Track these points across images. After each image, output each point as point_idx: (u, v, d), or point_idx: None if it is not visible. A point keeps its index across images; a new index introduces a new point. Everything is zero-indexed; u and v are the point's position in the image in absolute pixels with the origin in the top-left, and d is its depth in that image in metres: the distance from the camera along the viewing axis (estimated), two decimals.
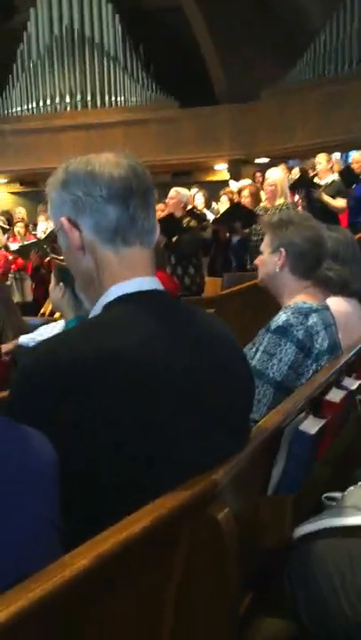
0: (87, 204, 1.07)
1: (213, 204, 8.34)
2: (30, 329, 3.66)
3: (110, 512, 0.87)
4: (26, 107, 12.10)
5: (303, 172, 7.59)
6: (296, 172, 7.92)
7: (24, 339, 3.26)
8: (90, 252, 1.09)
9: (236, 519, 1.03)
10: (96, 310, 1.10)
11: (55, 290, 2.43)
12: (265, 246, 2.06)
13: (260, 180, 8.28)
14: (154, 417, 0.98)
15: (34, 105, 12.05)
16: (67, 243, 1.11)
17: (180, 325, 1.09)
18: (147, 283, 1.10)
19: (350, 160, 7.31)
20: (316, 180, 6.49)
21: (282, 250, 1.99)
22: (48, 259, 7.13)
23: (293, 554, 1.32)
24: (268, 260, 2.04)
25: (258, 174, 9.05)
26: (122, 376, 0.96)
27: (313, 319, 1.89)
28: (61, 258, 2.28)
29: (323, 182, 6.37)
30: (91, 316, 1.11)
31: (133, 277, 1.09)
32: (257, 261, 2.12)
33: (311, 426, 1.43)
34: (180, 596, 0.99)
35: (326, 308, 2.01)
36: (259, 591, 1.38)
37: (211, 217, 7.14)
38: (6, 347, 3.32)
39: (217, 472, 1.00)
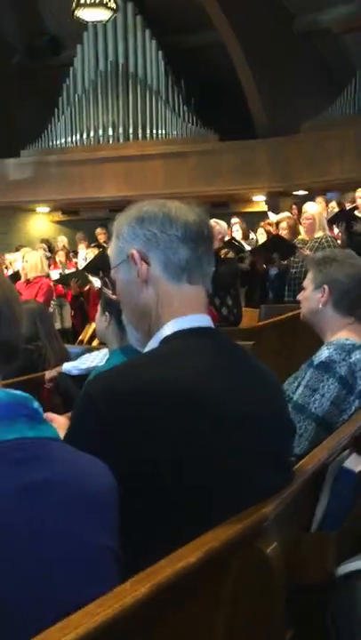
0: (161, 241, 1.15)
1: (251, 234, 8.41)
2: (70, 356, 3.75)
3: (161, 535, 0.92)
4: (70, 139, 12.44)
5: (344, 206, 7.61)
6: (333, 206, 7.95)
7: (67, 366, 3.33)
8: (153, 286, 1.16)
9: (282, 554, 1.05)
10: (153, 343, 1.16)
11: (101, 319, 2.49)
12: (308, 282, 2.10)
13: (296, 212, 8.33)
14: (209, 446, 1.03)
15: (77, 137, 12.39)
16: (129, 275, 1.18)
17: (234, 361, 1.14)
18: (202, 320, 1.16)
19: None
20: (356, 213, 6.50)
21: (325, 287, 2.02)
22: (87, 287, 7.27)
23: (338, 593, 1.32)
24: (312, 297, 2.07)
25: (294, 207, 9.10)
26: (183, 404, 1.02)
27: (356, 356, 1.91)
28: (110, 292, 2.36)
29: None
30: (147, 349, 1.17)
31: (191, 314, 1.15)
32: (300, 297, 2.15)
33: (355, 463, 1.44)
34: (226, 628, 1.01)
35: None
36: (300, 629, 1.38)
37: (248, 248, 7.20)
38: (50, 374, 3.39)
39: (266, 506, 1.02)
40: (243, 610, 1.02)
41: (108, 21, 9.09)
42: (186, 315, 1.14)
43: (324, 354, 1.92)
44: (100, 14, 8.36)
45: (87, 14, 8.34)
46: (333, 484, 1.40)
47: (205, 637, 0.98)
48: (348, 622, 1.25)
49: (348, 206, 7.44)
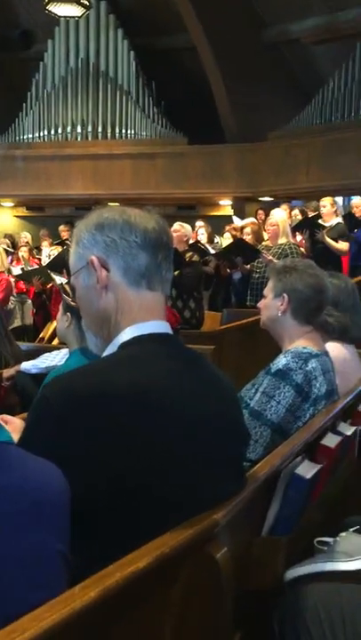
0: (121, 247, 1.15)
1: (216, 238, 8.47)
2: (23, 356, 3.71)
3: (111, 538, 0.94)
4: (37, 134, 12.29)
5: (306, 214, 7.74)
6: (296, 213, 8.06)
7: (26, 365, 3.30)
8: (113, 292, 1.16)
9: (232, 559, 1.07)
10: (111, 348, 1.16)
11: (62, 319, 2.48)
12: (268, 291, 2.13)
13: (263, 217, 8.42)
14: (164, 448, 1.05)
15: (45, 133, 12.25)
16: (88, 281, 1.18)
17: (190, 368, 1.16)
18: (160, 326, 1.17)
19: (351, 205, 7.47)
20: (320, 221, 6.61)
21: (285, 295, 2.06)
22: (50, 285, 7.21)
23: (285, 596, 1.35)
24: (271, 305, 2.10)
25: (260, 211, 9.20)
26: (139, 408, 1.03)
27: (312, 364, 1.95)
28: (70, 299, 2.36)
29: (327, 224, 6.49)
30: (106, 353, 1.17)
31: (149, 320, 1.16)
32: (260, 305, 2.18)
33: (307, 470, 1.48)
34: (175, 632, 1.02)
35: (326, 353, 2.07)
36: (248, 632, 1.40)
37: (213, 252, 7.25)
38: (8, 372, 3.36)
39: (217, 512, 1.04)
40: (192, 613, 1.03)
41: (80, 18, 9.03)
42: (145, 321, 1.16)
43: (281, 361, 1.95)
44: (73, 10, 8.28)
45: (59, 9, 8.26)
46: (285, 490, 1.43)
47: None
48: (295, 627, 1.28)
49: (311, 214, 7.56)
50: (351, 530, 1.63)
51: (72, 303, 2.30)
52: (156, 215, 1.20)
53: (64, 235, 9.42)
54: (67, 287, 2.45)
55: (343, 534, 1.59)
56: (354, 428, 1.96)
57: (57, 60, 12.46)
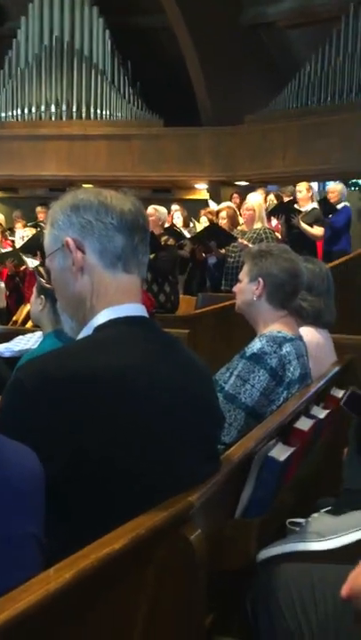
0: (97, 229, 1.14)
1: (192, 222, 8.43)
2: None
3: (87, 520, 0.94)
4: (10, 113, 12.05)
5: (282, 199, 7.74)
6: (271, 198, 8.07)
7: (0, 347, 3.28)
8: (88, 274, 1.15)
9: (206, 540, 1.08)
10: (86, 331, 1.16)
11: (36, 302, 2.46)
12: (244, 275, 2.14)
13: (238, 201, 8.41)
14: (136, 433, 1.04)
15: (19, 112, 12.02)
16: (64, 263, 1.17)
17: (164, 350, 1.16)
18: (137, 309, 1.16)
19: (327, 190, 7.50)
20: (296, 206, 6.63)
21: (260, 279, 2.07)
22: (23, 267, 7.12)
23: (257, 577, 1.37)
24: (247, 289, 2.11)
25: (235, 195, 9.19)
26: (112, 392, 1.03)
27: (286, 348, 1.96)
28: (44, 281, 2.33)
29: (303, 209, 6.52)
30: (81, 335, 1.16)
31: (125, 303, 1.15)
32: (235, 289, 2.19)
33: (280, 453, 1.49)
34: (148, 613, 1.03)
35: (300, 338, 2.09)
36: (221, 613, 1.42)
37: (188, 236, 7.23)
38: None
39: (192, 494, 1.05)
40: (166, 594, 1.04)
41: None
42: (121, 303, 1.15)
43: (256, 345, 1.96)
44: None
45: None
46: (259, 473, 1.44)
47: (128, 622, 1.00)
48: (267, 607, 1.30)
49: (286, 199, 7.58)
50: (323, 510, 1.65)
51: (47, 285, 2.28)
52: (133, 197, 1.19)
53: (41, 216, 9.29)
54: (41, 269, 2.43)
55: (315, 515, 1.62)
56: (326, 411, 1.99)
57: (30, 37, 12.18)
